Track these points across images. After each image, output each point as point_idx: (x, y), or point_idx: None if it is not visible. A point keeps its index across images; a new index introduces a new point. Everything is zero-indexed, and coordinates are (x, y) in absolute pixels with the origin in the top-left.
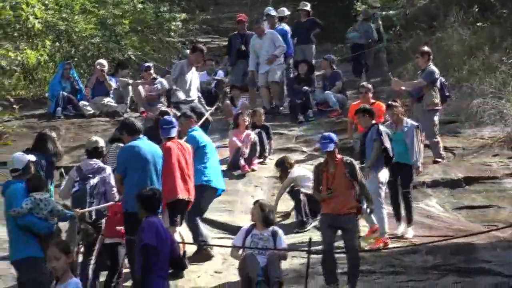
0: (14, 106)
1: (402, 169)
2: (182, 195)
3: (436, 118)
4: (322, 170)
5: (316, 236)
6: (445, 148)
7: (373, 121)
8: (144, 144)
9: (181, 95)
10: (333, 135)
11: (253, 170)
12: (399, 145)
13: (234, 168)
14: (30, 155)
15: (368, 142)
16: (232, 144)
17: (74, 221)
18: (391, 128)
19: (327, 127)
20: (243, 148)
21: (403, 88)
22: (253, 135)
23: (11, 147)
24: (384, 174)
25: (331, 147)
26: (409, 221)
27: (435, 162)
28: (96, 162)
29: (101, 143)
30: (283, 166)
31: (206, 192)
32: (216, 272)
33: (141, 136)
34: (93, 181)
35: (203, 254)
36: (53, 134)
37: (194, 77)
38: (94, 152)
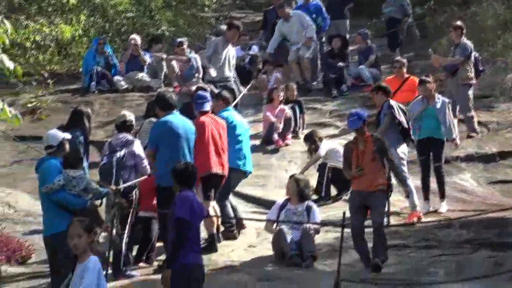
0: (48, 81)
1: (434, 144)
2: (215, 169)
3: (470, 92)
4: (351, 148)
5: None
6: (479, 123)
7: (388, 98)
8: (177, 119)
9: (213, 73)
10: (362, 112)
11: (286, 144)
12: (431, 121)
13: (268, 143)
14: (66, 133)
15: (382, 118)
16: (266, 119)
17: (109, 197)
18: (423, 104)
19: (361, 102)
20: (277, 123)
21: (442, 64)
22: (287, 110)
23: (45, 121)
24: (402, 149)
25: (359, 124)
26: (442, 196)
27: (469, 136)
28: (125, 136)
29: (130, 117)
30: (312, 140)
31: (235, 175)
32: (249, 246)
33: (174, 111)
34: (120, 153)
35: (228, 234)
36: (89, 110)
37: (230, 55)
38: (122, 126)
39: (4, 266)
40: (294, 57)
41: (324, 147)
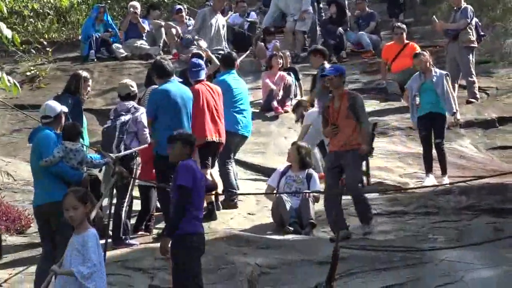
0: (48, 49)
1: (435, 119)
2: (211, 137)
3: (472, 56)
4: (328, 105)
5: None
6: (479, 88)
7: (324, 61)
8: (175, 87)
9: (204, 45)
10: (341, 67)
11: (286, 111)
12: (429, 95)
13: (267, 110)
14: (64, 106)
15: (318, 80)
16: (265, 86)
17: (108, 166)
18: (420, 79)
19: (360, 68)
20: (276, 90)
21: (445, 29)
22: (287, 76)
23: (44, 90)
24: None
25: (334, 72)
26: (444, 171)
27: (468, 102)
28: (130, 103)
29: (133, 87)
30: (299, 110)
31: (234, 139)
32: (249, 213)
33: (171, 78)
34: (124, 118)
35: (229, 203)
36: (84, 74)
37: (220, 25)
38: (127, 97)
39: (4, 235)
40: (290, 27)
41: (309, 115)
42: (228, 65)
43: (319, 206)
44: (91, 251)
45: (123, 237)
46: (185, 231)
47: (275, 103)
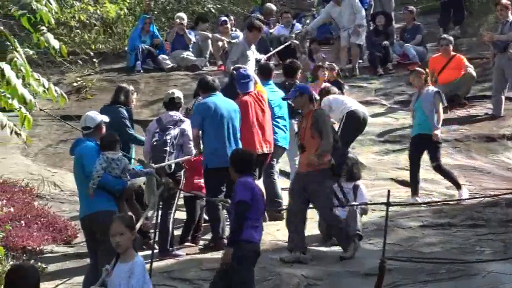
0: (94, 60)
1: (426, 141)
2: (261, 149)
3: None
4: (299, 125)
5: (397, 189)
6: None
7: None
8: (219, 100)
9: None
10: (304, 86)
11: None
12: (419, 115)
13: None
14: (104, 116)
15: None
16: None
17: (151, 176)
18: (415, 97)
19: (406, 80)
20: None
21: (495, 40)
22: (333, 88)
23: (91, 101)
24: None
25: (293, 94)
26: (458, 186)
27: None
28: (176, 114)
29: (177, 94)
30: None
31: (275, 150)
32: None
33: (216, 92)
34: (174, 132)
35: (275, 215)
36: (131, 88)
37: (252, 56)
38: (170, 103)
39: (51, 245)
40: (345, 43)
41: (325, 102)
42: (265, 76)
43: (366, 218)
44: (135, 278)
45: (170, 248)
46: (240, 238)
47: None
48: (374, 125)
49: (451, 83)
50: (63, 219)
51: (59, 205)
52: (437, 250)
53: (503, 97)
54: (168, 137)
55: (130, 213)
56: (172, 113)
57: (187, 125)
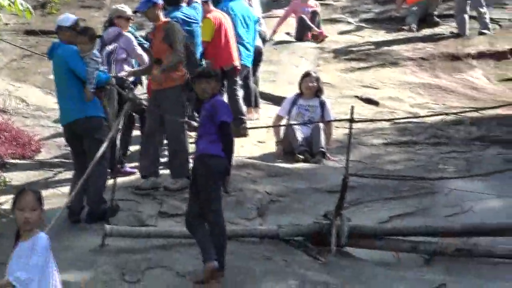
0: None
1: None
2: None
3: None
4: (150, 38)
5: (361, 106)
6: (491, 20)
7: None
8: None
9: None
10: None
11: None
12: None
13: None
14: (77, 17)
15: None
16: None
17: (111, 86)
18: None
19: None
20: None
21: None
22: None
23: (55, 16)
24: None
25: (146, 6)
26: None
27: (480, 33)
28: (115, 30)
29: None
30: None
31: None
32: (259, 141)
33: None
34: (109, 47)
35: (239, 132)
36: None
37: None
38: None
39: (15, 159)
40: None
41: None
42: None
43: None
44: (37, 254)
45: (119, 165)
46: (207, 152)
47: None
48: (340, 43)
49: (420, 3)
50: (26, 134)
51: (23, 120)
52: (400, 168)
53: (466, 16)
54: (104, 53)
55: None
56: (111, 29)
57: (126, 37)
